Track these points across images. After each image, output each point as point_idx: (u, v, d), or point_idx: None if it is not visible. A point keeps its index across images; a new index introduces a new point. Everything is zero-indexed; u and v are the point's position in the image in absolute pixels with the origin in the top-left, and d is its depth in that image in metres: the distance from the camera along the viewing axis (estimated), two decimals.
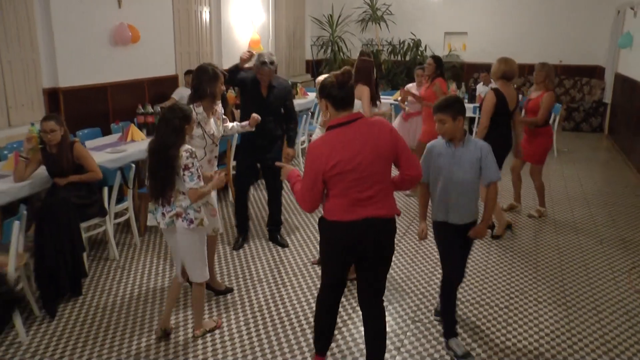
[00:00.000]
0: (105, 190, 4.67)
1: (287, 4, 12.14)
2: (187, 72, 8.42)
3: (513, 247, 5.23)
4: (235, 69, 4.88)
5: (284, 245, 5.18)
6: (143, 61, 7.77)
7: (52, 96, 6.53)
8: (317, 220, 2.98)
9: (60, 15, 6.39)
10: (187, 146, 3.30)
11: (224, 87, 4.08)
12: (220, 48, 9.85)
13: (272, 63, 4.79)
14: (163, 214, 3.36)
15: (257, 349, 3.52)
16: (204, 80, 3.95)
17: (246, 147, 5.13)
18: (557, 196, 6.87)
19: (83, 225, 4.39)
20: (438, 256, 3.67)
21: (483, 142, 3.41)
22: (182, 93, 8.32)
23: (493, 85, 8.93)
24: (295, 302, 4.13)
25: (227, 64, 9.91)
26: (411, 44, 12.87)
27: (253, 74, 4.91)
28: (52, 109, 6.53)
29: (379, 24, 12.94)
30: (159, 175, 3.27)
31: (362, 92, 5.31)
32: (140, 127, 6.15)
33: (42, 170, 4.48)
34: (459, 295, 4.24)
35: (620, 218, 6.08)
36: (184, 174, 3.24)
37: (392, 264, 3.10)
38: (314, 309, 3.20)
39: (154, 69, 8.17)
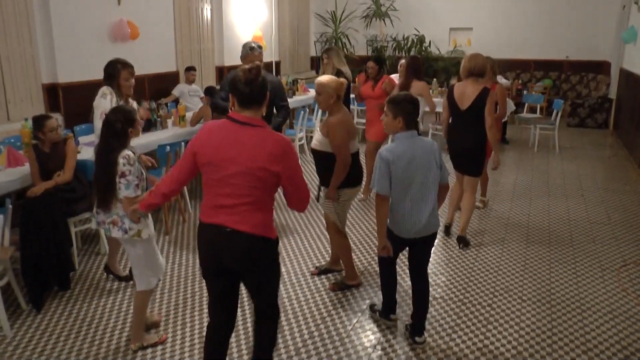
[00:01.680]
0: None
1: (290, 0, 12.15)
2: (188, 69, 8.49)
3: (503, 243, 5.21)
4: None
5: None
6: (143, 57, 7.81)
7: (51, 91, 6.62)
8: None
9: (59, 11, 6.46)
10: (126, 152, 3.16)
11: (130, 83, 4.19)
12: (222, 45, 9.90)
13: (260, 47, 4.79)
14: (103, 221, 3.32)
15: None
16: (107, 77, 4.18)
17: None
18: (554, 192, 6.83)
19: (74, 219, 4.46)
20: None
21: (386, 147, 3.32)
22: (182, 89, 8.40)
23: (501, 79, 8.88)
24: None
25: (229, 60, 9.99)
26: (415, 40, 12.82)
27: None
28: (51, 105, 6.62)
29: (383, 20, 12.90)
30: (102, 180, 3.20)
31: (421, 88, 5.34)
32: None
33: None
34: (443, 294, 4.25)
35: (615, 215, 6.04)
36: (119, 182, 3.14)
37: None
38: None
39: (155, 65, 8.23)
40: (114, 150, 3.15)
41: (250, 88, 2.55)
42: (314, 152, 4.12)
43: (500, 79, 8.63)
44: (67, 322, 3.81)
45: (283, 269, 4.69)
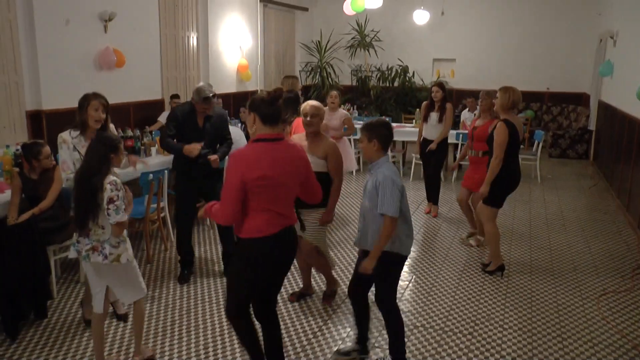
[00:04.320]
0: None
1: (276, 30, 12.33)
2: (173, 96, 8.53)
3: (483, 274, 5.22)
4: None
5: None
6: (129, 85, 7.85)
7: (35, 118, 6.59)
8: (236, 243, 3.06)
9: (45, 38, 6.48)
10: (111, 177, 3.19)
11: (98, 115, 3.95)
12: (208, 73, 9.97)
13: (214, 96, 4.73)
14: (80, 250, 3.30)
15: None
16: (78, 108, 3.98)
17: (184, 181, 4.93)
18: (535, 222, 6.90)
19: (53, 247, 4.41)
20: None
21: (387, 171, 3.27)
22: None
23: (477, 112, 9.04)
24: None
25: (215, 88, 10.02)
26: (399, 70, 13.02)
27: (187, 107, 4.81)
28: (35, 131, 6.58)
29: (368, 50, 13.11)
30: (82, 206, 3.18)
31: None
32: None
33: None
34: (424, 322, 4.25)
35: (595, 245, 6.10)
36: (108, 208, 3.14)
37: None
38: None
39: (140, 92, 8.25)
40: (97, 175, 3.16)
41: (273, 108, 2.90)
42: None
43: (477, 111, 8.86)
44: (42, 351, 3.74)
45: None
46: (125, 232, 3.33)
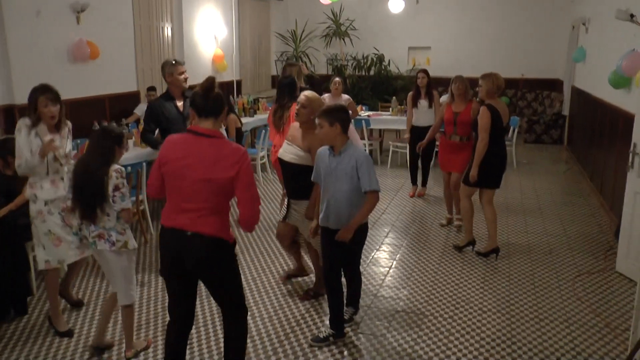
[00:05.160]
0: None
1: (251, 20, 12.25)
2: (149, 89, 8.45)
3: (463, 257, 5.33)
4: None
5: None
6: (103, 77, 7.75)
7: (8, 112, 6.48)
8: None
9: (16, 31, 6.36)
10: (116, 166, 3.30)
11: (49, 110, 3.75)
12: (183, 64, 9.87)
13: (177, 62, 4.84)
14: (85, 237, 3.36)
15: None
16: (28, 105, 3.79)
17: None
18: (512, 207, 7.02)
19: (31, 243, 4.36)
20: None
21: (360, 151, 3.56)
22: (143, 108, 8.30)
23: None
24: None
25: (191, 79, 9.92)
26: (375, 59, 13.05)
27: (162, 99, 4.88)
28: (8, 126, 6.47)
29: (343, 39, 13.11)
30: (86, 195, 3.25)
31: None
32: None
33: None
34: (405, 307, 4.32)
35: (571, 228, 6.24)
36: (114, 195, 3.23)
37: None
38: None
39: (115, 85, 8.15)
40: (104, 166, 3.24)
41: (206, 100, 2.77)
42: (291, 165, 4.14)
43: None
44: (24, 347, 3.71)
45: (252, 277, 4.69)
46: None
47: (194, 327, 3.94)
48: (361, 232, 3.68)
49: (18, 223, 4.12)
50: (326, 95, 7.59)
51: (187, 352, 3.27)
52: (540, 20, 12.44)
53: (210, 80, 2.80)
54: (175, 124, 4.75)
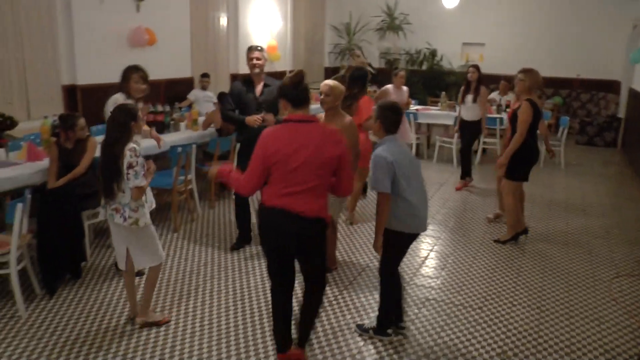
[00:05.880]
0: None
1: (305, 12, 12.43)
2: (202, 75, 8.76)
3: (499, 252, 5.36)
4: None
5: None
6: (159, 63, 8.08)
7: (70, 92, 6.91)
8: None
9: (81, 17, 6.78)
10: (131, 144, 3.42)
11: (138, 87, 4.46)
12: (237, 53, 10.16)
13: (261, 48, 5.01)
14: (106, 209, 3.57)
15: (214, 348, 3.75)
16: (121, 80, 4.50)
17: (245, 152, 4.99)
18: (555, 206, 6.96)
19: (86, 213, 4.69)
20: None
21: (382, 150, 3.44)
22: (196, 94, 8.67)
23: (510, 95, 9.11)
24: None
25: (243, 69, 10.23)
26: (427, 54, 13.02)
27: (240, 82, 5.09)
28: (70, 105, 6.90)
29: (397, 33, 13.13)
30: (106, 171, 3.44)
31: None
32: (150, 124, 6.43)
33: None
34: (436, 296, 4.41)
35: (614, 230, 6.15)
36: (128, 172, 3.38)
37: None
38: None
39: (170, 70, 8.51)
40: (118, 143, 3.40)
41: (298, 91, 3.04)
42: None
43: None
44: (77, 307, 4.04)
45: None
46: (143, 198, 3.55)
47: (231, 301, 4.18)
48: (384, 240, 3.51)
49: (75, 192, 4.43)
50: (389, 86, 7.89)
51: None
52: (599, 19, 12.09)
53: (299, 75, 3.06)
54: (249, 107, 4.96)
